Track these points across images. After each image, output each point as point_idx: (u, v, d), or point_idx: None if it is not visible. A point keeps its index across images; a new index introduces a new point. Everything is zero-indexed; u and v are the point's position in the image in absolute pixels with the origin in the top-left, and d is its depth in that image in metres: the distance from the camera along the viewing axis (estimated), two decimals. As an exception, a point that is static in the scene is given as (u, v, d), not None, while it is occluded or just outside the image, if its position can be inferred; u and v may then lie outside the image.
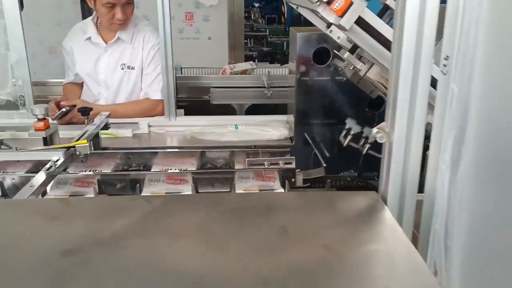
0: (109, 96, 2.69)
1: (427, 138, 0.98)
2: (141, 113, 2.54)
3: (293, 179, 1.65)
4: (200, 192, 1.68)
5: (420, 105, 0.87)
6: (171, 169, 1.78)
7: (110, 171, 1.78)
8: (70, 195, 1.61)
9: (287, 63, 4.72)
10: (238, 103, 3.58)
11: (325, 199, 0.99)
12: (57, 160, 1.57)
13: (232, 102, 3.57)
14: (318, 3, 1.15)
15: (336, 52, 1.67)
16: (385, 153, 0.97)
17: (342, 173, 2.02)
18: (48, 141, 2.00)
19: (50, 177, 1.47)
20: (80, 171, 1.77)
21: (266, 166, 1.73)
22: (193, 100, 3.56)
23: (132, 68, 2.63)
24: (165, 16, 2.28)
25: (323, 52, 2.14)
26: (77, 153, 1.63)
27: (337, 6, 1.10)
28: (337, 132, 2.22)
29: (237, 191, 1.62)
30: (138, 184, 1.60)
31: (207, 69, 3.86)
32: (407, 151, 0.92)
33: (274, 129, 2.32)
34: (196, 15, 3.97)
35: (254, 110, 3.78)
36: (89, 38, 2.67)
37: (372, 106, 2.23)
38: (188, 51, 3.70)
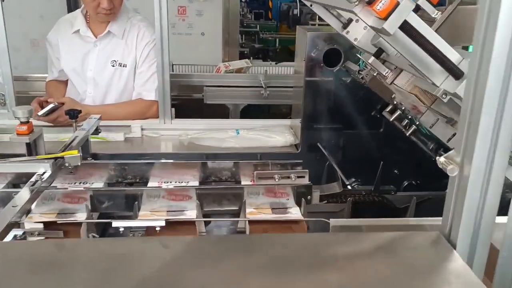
0: (97, 96, 2.48)
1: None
2: (133, 115, 2.34)
3: (309, 196, 1.49)
4: (205, 210, 1.50)
5: (506, 132, 0.72)
6: (171, 182, 1.60)
7: (103, 185, 1.59)
8: (58, 213, 1.42)
9: (281, 60, 4.57)
10: (233, 103, 3.41)
11: (380, 242, 0.83)
12: (44, 173, 1.38)
13: (226, 102, 3.40)
14: (356, 3, 0.99)
15: (358, 54, 1.52)
16: (454, 188, 0.82)
17: (355, 186, 1.88)
18: (31, 147, 1.81)
19: (36, 193, 1.28)
20: (68, 184, 1.58)
21: (277, 180, 1.56)
22: (184, 99, 3.38)
23: (124, 66, 2.43)
24: (161, 9, 2.09)
25: (334, 53, 1.99)
26: (66, 164, 1.45)
27: (380, 7, 0.94)
28: (347, 139, 2.08)
29: (248, 209, 1.45)
30: (136, 202, 1.42)
31: (200, 66, 3.67)
32: (484, 188, 0.76)
33: (278, 135, 2.16)
34: (189, 9, 3.77)
35: (249, 110, 3.62)
36: (77, 31, 2.45)
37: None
38: (180, 47, 3.50)
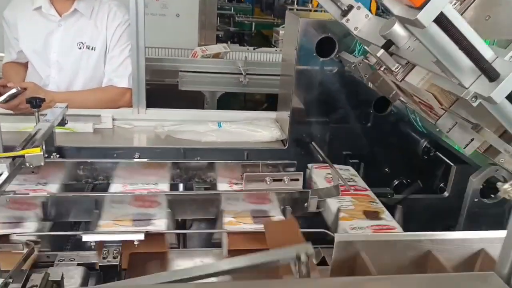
0: (62, 81, 2.24)
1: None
2: (104, 103, 2.13)
3: (305, 204, 1.34)
4: (177, 220, 1.32)
5: None
6: (137, 184, 1.41)
7: (57, 189, 1.38)
8: (3, 222, 1.21)
9: (256, 45, 4.38)
10: (210, 91, 3.22)
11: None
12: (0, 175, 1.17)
13: (203, 89, 3.20)
14: (383, -14, 0.83)
15: (368, 48, 1.36)
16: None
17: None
18: (-15, 140, 1.58)
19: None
20: (18, 185, 1.36)
21: (268, 183, 1.40)
22: (156, 84, 3.15)
23: (92, 49, 2.19)
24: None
25: (327, 42, 1.83)
26: (27, 164, 1.24)
27: (416, -7, 0.79)
28: (338, 133, 1.94)
29: (226, 219, 1.28)
30: (98, 210, 1.22)
31: (174, 50, 3.44)
32: None
33: (264, 129, 2.00)
34: (163, -11, 3.51)
35: (225, 98, 3.43)
36: (38, 8, 2.19)
37: (376, 108, 1.97)
38: (153, 29, 3.24)
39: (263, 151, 1.91)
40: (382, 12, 1.79)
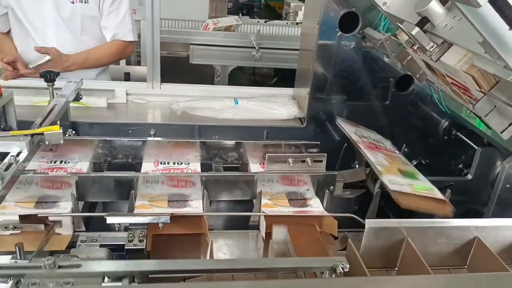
0: (63, 40, 2.15)
1: None
2: (113, 56, 2.24)
3: (331, 187, 1.30)
4: (213, 201, 1.30)
5: None
6: (168, 163, 1.38)
7: (88, 166, 1.34)
8: (37, 201, 1.19)
9: (264, 17, 4.27)
10: (222, 64, 3.15)
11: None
12: (19, 153, 1.13)
13: (215, 63, 3.14)
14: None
15: (401, 25, 1.29)
16: None
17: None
18: (0, 114, 1.54)
19: (11, 180, 1.04)
20: (46, 162, 1.33)
21: (291, 164, 1.37)
22: (166, 56, 3.08)
23: (86, 2, 2.13)
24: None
25: (350, 17, 1.76)
26: (46, 142, 1.20)
27: (472, -31, 0.73)
28: (357, 111, 1.89)
29: (263, 201, 1.25)
30: (132, 191, 1.19)
31: (185, 22, 3.35)
32: None
33: (281, 106, 1.95)
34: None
35: (235, 72, 3.36)
36: None
37: (398, 86, 1.91)
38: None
39: (281, 129, 1.87)
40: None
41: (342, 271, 0.82)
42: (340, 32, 1.76)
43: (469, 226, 1.07)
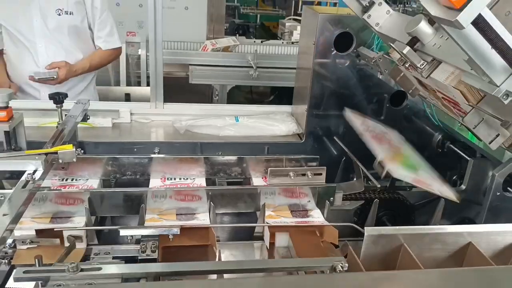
0: (52, 50, 2.33)
1: None
2: (106, 62, 2.56)
3: (331, 198, 1.37)
4: (218, 214, 1.36)
5: None
6: (174, 178, 1.44)
7: (98, 182, 1.41)
8: (52, 217, 1.25)
9: (260, 37, 4.37)
10: (220, 84, 3.24)
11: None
12: (35, 171, 1.20)
13: (213, 82, 3.23)
14: (422, -12, 0.86)
15: (393, 44, 1.37)
16: None
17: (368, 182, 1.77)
18: (11, 135, 1.60)
19: (28, 197, 1.10)
20: (58, 180, 1.39)
21: (292, 177, 1.43)
22: (165, 77, 3.16)
23: (70, 14, 2.32)
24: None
25: (344, 37, 1.85)
26: (60, 161, 1.26)
27: (455, -5, 0.81)
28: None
29: (267, 212, 1.32)
30: (142, 204, 1.25)
31: (184, 43, 3.45)
32: None
33: (280, 123, 2.02)
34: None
35: (233, 91, 3.45)
36: None
37: (392, 102, 1.99)
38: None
39: (281, 145, 1.94)
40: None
41: (341, 269, 0.87)
42: (335, 51, 1.85)
43: (462, 232, 1.13)
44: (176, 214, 1.30)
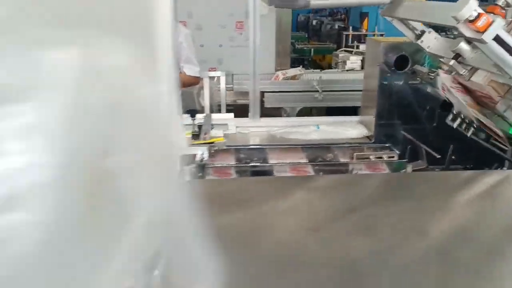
0: None
1: None
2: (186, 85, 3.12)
3: (404, 171, 1.90)
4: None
5: None
6: (289, 162, 2.03)
7: (235, 164, 2.02)
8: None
9: (313, 67, 5.00)
10: (290, 106, 3.85)
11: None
12: (203, 154, 1.81)
13: (285, 105, 3.84)
14: (462, 22, 1.41)
15: (442, 60, 1.92)
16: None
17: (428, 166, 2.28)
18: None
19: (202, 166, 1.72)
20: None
21: (372, 159, 1.98)
22: (242, 104, 3.81)
23: None
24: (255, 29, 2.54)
25: (401, 59, 2.41)
26: (216, 148, 1.88)
27: (481, 24, 1.36)
28: (413, 132, 2.49)
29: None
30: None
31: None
32: None
33: (352, 128, 2.58)
34: (246, 24, 4.19)
35: (304, 112, 4.05)
36: None
37: (443, 108, 2.51)
38: (238, 58, 3.95)
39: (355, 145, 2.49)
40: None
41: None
42: (395, 71, 2.41)
43: None
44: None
